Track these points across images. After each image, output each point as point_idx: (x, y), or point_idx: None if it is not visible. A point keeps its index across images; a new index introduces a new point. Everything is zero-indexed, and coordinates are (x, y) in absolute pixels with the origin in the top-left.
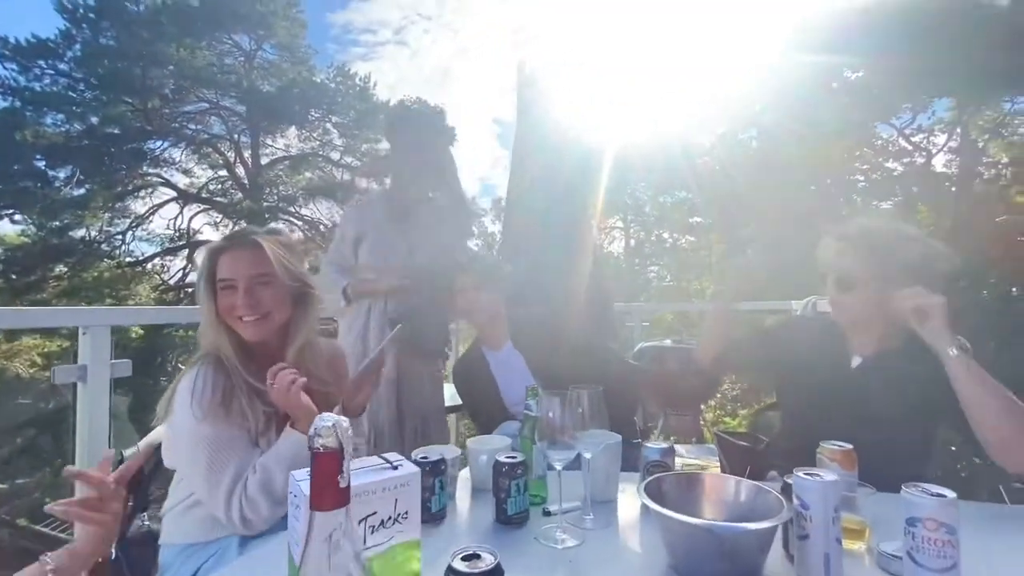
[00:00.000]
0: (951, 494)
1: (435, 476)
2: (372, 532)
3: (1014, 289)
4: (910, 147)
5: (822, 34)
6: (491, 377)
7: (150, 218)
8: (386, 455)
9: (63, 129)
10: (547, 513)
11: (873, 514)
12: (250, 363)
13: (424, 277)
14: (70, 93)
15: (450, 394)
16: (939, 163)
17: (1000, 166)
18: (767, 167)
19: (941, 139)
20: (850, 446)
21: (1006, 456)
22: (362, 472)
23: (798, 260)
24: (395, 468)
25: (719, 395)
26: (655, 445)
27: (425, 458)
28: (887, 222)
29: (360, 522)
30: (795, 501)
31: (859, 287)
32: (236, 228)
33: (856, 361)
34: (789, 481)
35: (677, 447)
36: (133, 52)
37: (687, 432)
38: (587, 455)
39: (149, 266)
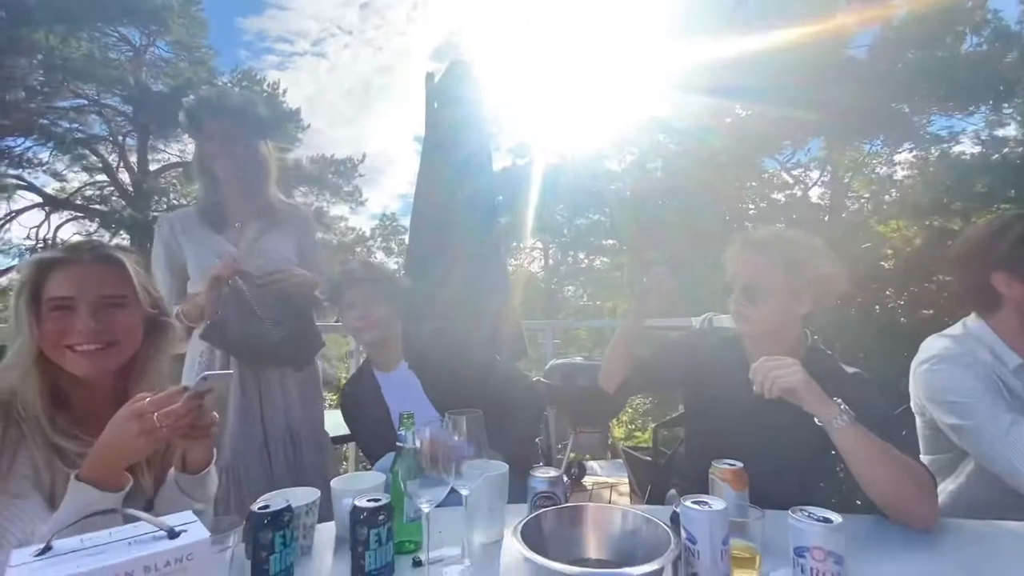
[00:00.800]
0: (837, 518)
1: (276, 529)
2: None
3: (877, 307)
4: (791, 180)
5: (714, 73)
6: (382, 401)
7: (6, 226)
8: (169, 517)
9: None
10: (417, 564)
11: (764, 537)
12: (58, 413)
13: (248, 272)
14: None
15: (337, 422)
16: (814, 195)
17: (862, 199)
18: (671, 194)
19: (815, 174)
20: (740, 465)
21: (899, 513)
22: (112, 547)
23: (698, 280)
24: (174, 536)
25: (631, 409)
26: (542, 475)
27: (266, 507)
28: (799, 233)
29: None
30: (682, 534)
31: (767, 297)
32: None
33: None
34: (678, 510)
35: (590, 463)
36: None
37: (597, 448)
38: (464, 491)
39: (4, 280)
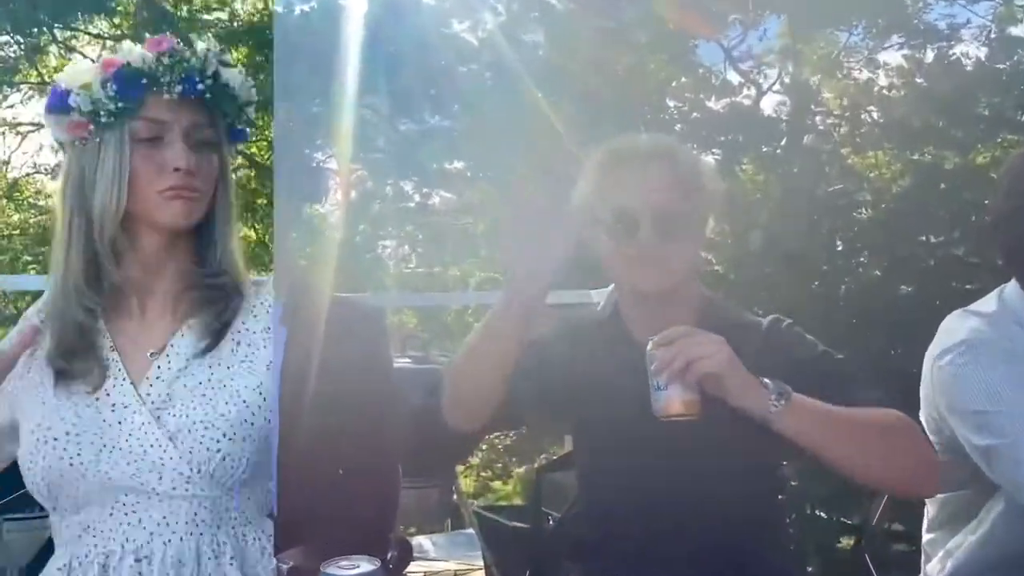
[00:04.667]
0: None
1: None
2: None
3: (847, 279)
4: (738, 79)
5: None
6: None
7: None
8: None
9: None
10: None
11: None
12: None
13: None
14: None
15: None
16: (768, 105)
17: (834, 117)
18: (559, 86)
19: (772, 73)
20: None
21: (900, 482)
22: None
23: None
24: None
25: (486, 446)
26: (348, 570)
27: None
28: (664, 135)
29: None
30: None
31: (685, 229)
32: None
33: None
34: None
35: (418, 540)
36: None
37: (431, 513)
38: None
39: None
